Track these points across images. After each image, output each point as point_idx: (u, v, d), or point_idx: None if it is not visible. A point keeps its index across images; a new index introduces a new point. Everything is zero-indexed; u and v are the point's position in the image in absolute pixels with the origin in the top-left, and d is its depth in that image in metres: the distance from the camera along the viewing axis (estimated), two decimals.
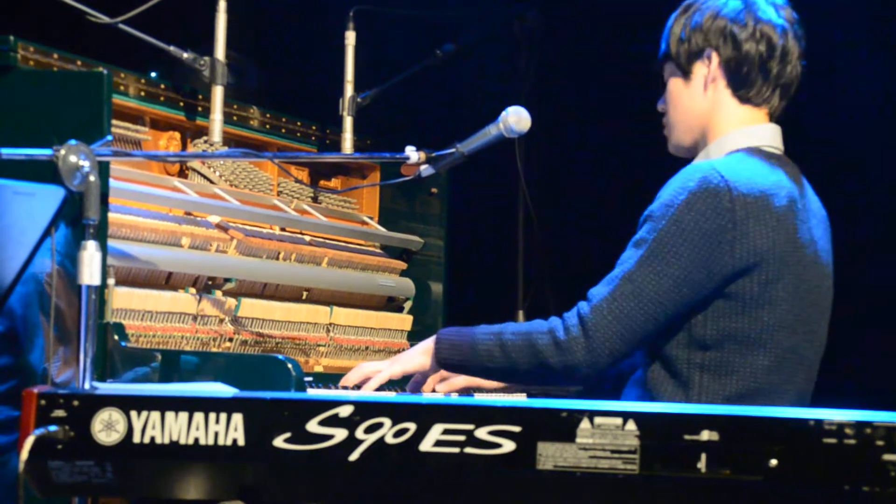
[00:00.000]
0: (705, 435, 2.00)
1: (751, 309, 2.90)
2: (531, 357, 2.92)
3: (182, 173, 3.66)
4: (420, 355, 3.15)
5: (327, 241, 3.91)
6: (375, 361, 3.26)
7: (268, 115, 3.89)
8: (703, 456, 2.00)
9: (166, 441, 2.08)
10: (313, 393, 3.24)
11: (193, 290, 3.40)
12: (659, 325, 2.89)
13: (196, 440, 2.08)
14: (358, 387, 3.23)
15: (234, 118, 3.77)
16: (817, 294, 3.02)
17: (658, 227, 2.90)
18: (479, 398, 3.28)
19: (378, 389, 3.21)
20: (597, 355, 2.86)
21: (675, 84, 3.12)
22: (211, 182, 3.66)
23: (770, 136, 3.08)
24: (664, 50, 3.14)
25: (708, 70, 3.06)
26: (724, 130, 3.07)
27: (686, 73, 3.09)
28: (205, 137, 3.61)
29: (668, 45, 3.12)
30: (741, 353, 2.91)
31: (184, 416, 2.08)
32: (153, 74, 3.52)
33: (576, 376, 2.93)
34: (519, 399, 3.34)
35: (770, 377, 2.93)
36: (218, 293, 3.47)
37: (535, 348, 2.91)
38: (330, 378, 3.43)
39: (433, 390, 3.26)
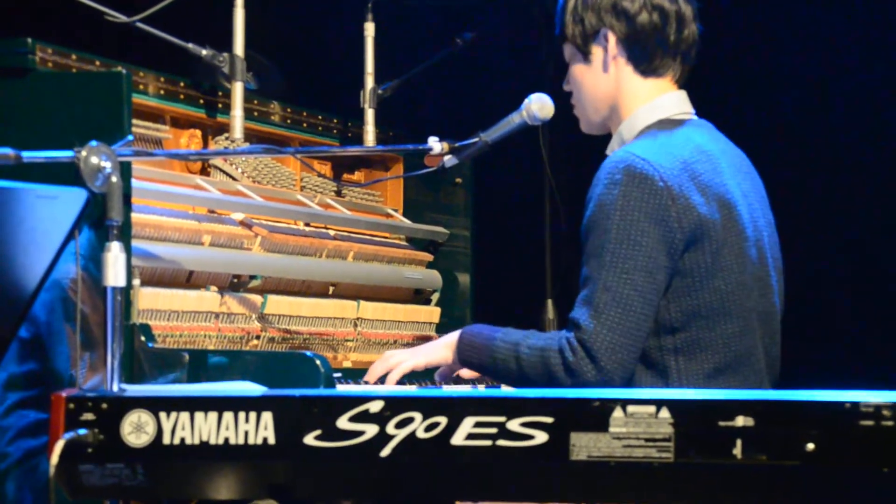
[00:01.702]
0: (740, 420, 1.98)
1: (707, 281, 2.91)
2: (544, 374, 2.92)
3: (204, 171, 3.65)
4: (443, 348, 3.15)
5: (352, 234, 3.90)
6: (400, 351, 3.25)
7: (289, 110, 3.88)
8: (739, 442, 1.98)
9: (196, 442, 2.07)
10: (342, 389, 3.23)
11: (219, 289, 3.39)
12: (651, 318, 2.89)
13: (226, 440, 2.07)
14: (381, 380, 3.22)
15: (255, 114, 3.75)
16: (759, 247, 3.04)
17: (607, 228, 2.89)
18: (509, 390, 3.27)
19: (403, 381, 3.21)
20: (608, 372, 2.85)
21: (576, 67, 3.13)
22: (233, 179, 3.65)
23: (677, 104, 3.08)
24: (559, 31, 3.13)
25: (606, 50, 3.07)
26: (631, 108, 3.07)
27: (585, 55, 3.10)
28: (226, 134, 3.60)
29: (563, 27, 3.11)
30: (709, 327, 2.92)
31: (213, 415, 2.07)
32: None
33: None
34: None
35: (743, 342, 2.96)
36: (243, 291, 3.46)
37: (548, 367, 2.91)
38: (359, 373, 3.42)
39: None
